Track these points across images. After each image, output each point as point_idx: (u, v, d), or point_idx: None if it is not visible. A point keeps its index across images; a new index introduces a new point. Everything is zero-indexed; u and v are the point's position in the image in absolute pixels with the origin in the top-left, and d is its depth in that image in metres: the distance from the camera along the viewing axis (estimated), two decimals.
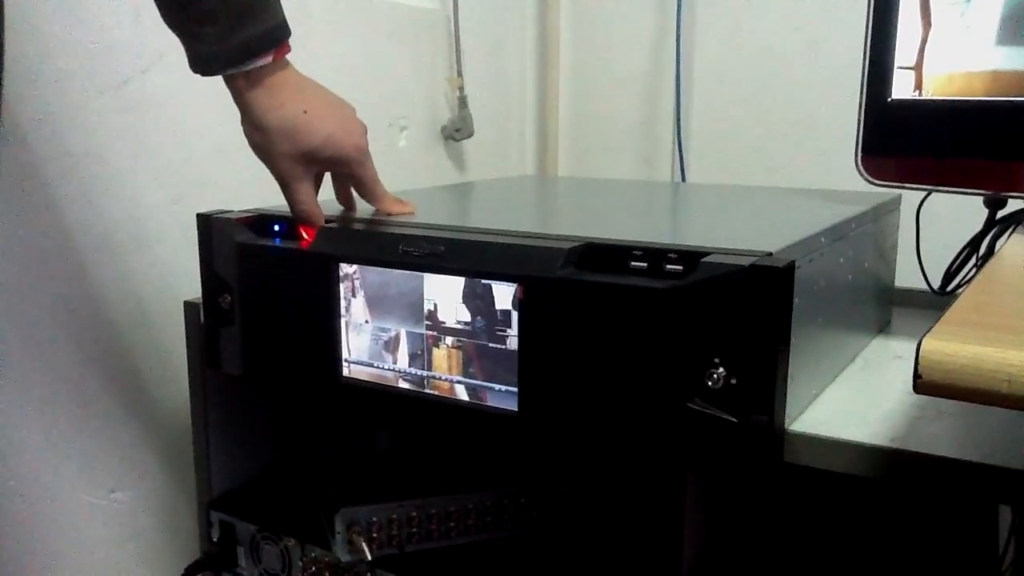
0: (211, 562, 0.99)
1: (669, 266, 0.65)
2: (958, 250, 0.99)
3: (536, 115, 1.77)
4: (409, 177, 1.41)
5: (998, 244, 0.93)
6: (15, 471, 0.98)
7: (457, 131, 1.53)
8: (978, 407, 0.43)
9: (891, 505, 0.91)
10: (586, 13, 1.71)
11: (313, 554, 0.92)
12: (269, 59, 0.75)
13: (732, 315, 0.60)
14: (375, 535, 0.88)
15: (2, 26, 0.62)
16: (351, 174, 0.84)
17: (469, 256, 0.71)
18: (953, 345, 0.43)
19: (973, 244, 0.98)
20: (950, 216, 0.95)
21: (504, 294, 0.69)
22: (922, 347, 0.44)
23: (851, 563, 0.87)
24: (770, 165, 1.56)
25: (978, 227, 0.95)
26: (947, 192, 0.86)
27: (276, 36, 0.76)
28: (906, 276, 1.03)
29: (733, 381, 0.61)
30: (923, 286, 1.01)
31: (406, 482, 0.94)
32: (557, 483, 0.92)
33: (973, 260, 0.98)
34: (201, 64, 0.75)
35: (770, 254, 0.62)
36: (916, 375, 0.44)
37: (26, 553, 1.00)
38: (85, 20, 0.98)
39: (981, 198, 0.92)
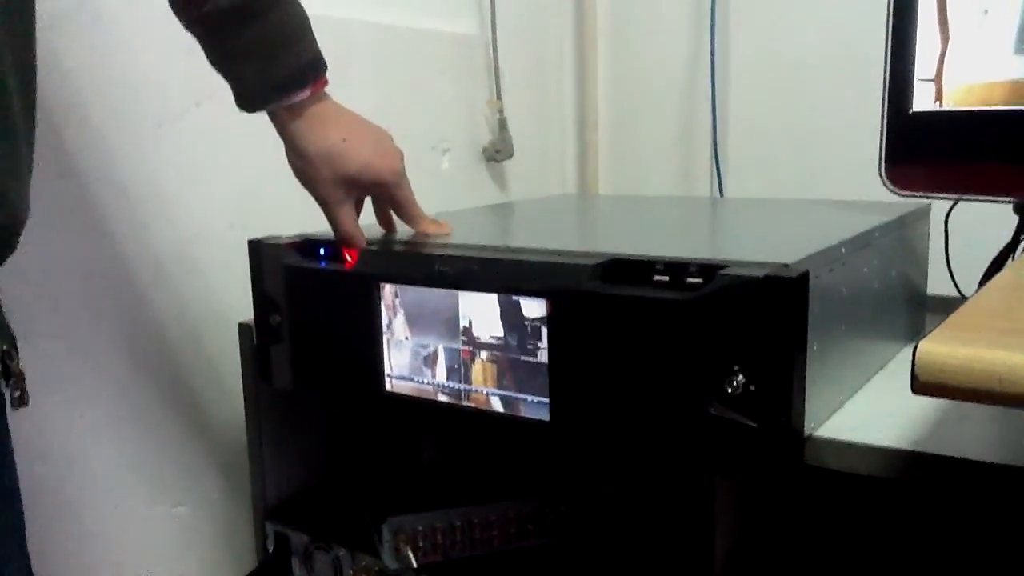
0: (267, 571, 1.03)
1: (690, 279, 0.67)
2: (993, 256, 0.99)
3: (576, 134, 1.81)
4: (452, 198, 1.45)
5: None
6: (87, 487, 1.04)
7: (498, 152, 1.56)
8: (1006, 410, 0.45)
9: (926, 511, 0.92)
10: (622, 32, 1.74)
11: (363, 562, 0.95)
12: (307, 93, 0.80)
13: (749, 324, 0.63)
14: (420, 543, 0.91)
15: (34, 74, 0.67)
16: (389, 197, 0.88)
17: (500, 274, 0.75)
18: (947, 348, 0.46)
19: (1006, 251, 0.99)
20: (986, 223, 0.96)
21: (534, 309, 0.73)
22: (918, 350, 0.46)
23: (884, 568, 0.88)
24: (810, 176, 1.57)
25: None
26: (973, 200, 0.87)
27: (312, 71, 0.80)
28: (945, 284, 1.04)
29: (752, 387, 0.63)
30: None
31: (450, 492, 0.98)
32: (595, 490, 0.95)
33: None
34: (244, 101, 0.80)
35: (786, 265, 0.65)
36: (913, 376, 0.46)
37: (94, 564, 1.05)
38: (141, 58, 1.04)
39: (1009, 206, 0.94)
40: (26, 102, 0.66)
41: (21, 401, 0.68)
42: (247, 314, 0.94)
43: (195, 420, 1.14)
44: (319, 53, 0.82)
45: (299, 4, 0.80)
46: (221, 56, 0.80)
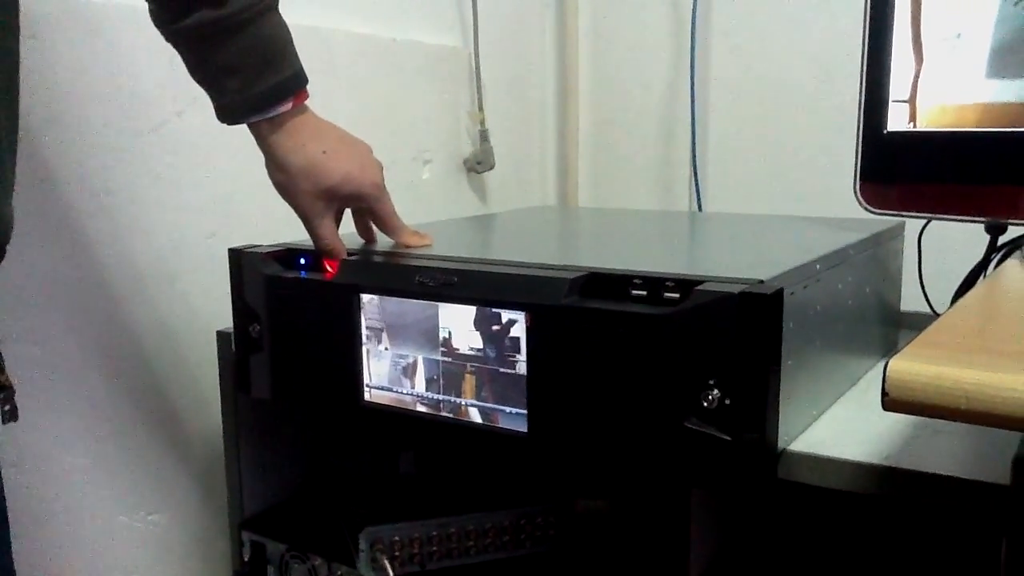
0: None
1: (667, 294, 0.68)
2: (965, 275, 1.01)
3: (557, 147, 1.82)
4: (432, 209, 1.46)
5: None
6: (61, 495, 1.03)
7: (479, 163, 1.57)
8: (977, 426, 0.46)
9: (898, 525, 0.93)
10: (603, 46, 1.76)
11: (339, 572, 0.95)
12: (288, 106, 0.81)
13: (725, 339, 0.64)
14: (398, 553, 0.92)
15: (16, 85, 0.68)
16: (369, 209, 0.89)
17: (480, 286, 0.76)
18: (916, 365, 0.47)
19: (977, 270, 1.01)
20: (958, 242, 0.98)
21: (513, 322, 0.73)
22: (888, 367, 0.47)
23: None
24: (788, 193, 1.59)
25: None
26: (945, 219, 0.89)
27: (294, 84, 0.81)
28: (918, 301, 1.05)
29: (727, 401, 0.64)
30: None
31: (428, 502, 0.98)
32: (572, 502, 0.95)
33: None
34: (226, 114, 0.80)
35: (761, 282, 0.66)
36: (883, 393, 0.48)
37: (68, 572, 1.05)
38: (124, 67, 1.04)
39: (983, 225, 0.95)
40: (9, 114, 0.66)
41: (12, 415, 0.67)
42: (226, 323, 0.94)
43: (172, 428, 1.14)
44: (300, 67, 0.82)
45: (280, 18, 0.81)
46: (202, 69, 0.80)
